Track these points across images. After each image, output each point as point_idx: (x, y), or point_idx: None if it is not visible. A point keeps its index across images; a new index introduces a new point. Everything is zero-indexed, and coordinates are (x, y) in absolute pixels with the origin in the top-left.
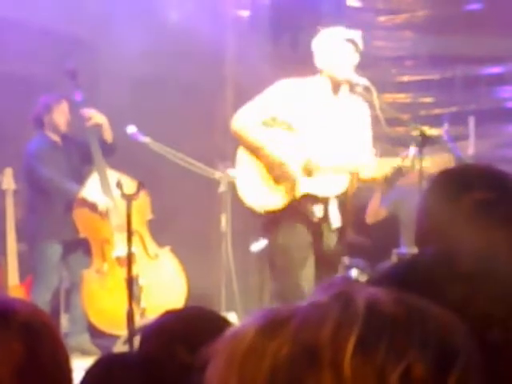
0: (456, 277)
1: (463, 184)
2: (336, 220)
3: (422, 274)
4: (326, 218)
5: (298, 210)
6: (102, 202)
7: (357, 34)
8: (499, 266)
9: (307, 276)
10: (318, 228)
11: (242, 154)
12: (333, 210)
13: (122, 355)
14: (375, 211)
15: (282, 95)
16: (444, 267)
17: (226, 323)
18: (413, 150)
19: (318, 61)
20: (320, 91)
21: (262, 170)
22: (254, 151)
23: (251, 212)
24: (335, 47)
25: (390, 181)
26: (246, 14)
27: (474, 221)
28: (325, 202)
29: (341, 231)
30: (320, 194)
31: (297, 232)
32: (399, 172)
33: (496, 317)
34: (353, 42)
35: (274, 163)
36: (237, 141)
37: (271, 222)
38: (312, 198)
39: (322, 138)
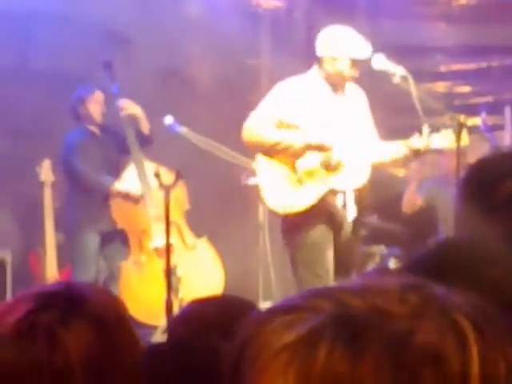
0: (493, 258)
1: (499, 173)
2: (352, 211)
3: (458, 258)
4: (343, 209)
5: (319, 207)
6: (132, 188)
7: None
8: None
9: (327, 269)
10: (337, 220)
11: (261, 160)
12: (350, 202)
13: (165, 345)
14: (411, 200)
15: (285, 97)
16: (481, 250)
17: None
18: (426, 129)
19: (336, 49)
20: (320, 86)
21: (286, 172)
22: (278, 151)
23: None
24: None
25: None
26: (281, 5)
27: (509, 209)
28: (343, 194)
29: (356, 221)
30: (342, 188)
31: (318, 229)
32: (417, 152)
33: None
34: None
35: (304, 149)
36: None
37: (293, 222)
38: (333, 192)
39: (333, 132)
